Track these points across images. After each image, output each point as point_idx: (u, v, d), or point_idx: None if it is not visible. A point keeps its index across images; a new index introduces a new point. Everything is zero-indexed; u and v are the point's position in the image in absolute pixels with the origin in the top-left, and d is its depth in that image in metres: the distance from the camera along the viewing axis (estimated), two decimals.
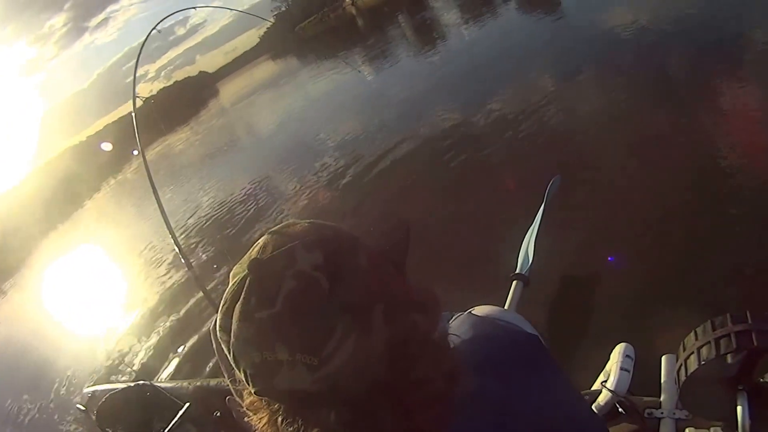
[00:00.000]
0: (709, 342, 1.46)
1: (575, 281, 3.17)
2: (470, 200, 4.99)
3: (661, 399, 1.75)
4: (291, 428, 0.59)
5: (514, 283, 1.83)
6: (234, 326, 0.56)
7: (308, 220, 0.65)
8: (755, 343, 1.37)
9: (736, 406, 1.45)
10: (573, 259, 3.35)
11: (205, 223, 9.57)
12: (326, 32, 53.81)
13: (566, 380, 0.78)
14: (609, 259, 3.09)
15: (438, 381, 0.59)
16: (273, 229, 0.63)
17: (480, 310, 0.85)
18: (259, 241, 0.62)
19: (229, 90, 57.48)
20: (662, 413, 1.72)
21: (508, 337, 0.78)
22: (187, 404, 2.92)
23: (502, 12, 14.56)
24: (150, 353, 5.71)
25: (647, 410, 1.74)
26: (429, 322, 0.62)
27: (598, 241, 3.38)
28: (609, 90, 6.04)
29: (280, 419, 0.60)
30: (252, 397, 0.61)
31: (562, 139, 5.39)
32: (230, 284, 0.59)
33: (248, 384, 0.58)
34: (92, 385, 4.03)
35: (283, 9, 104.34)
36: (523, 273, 1.88)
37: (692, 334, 1.53)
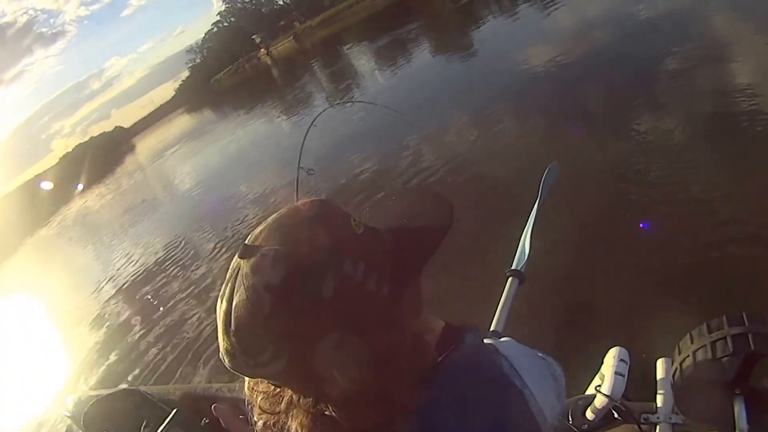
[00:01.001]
0: (704, 345, 1.44)
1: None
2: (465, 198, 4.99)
3: (657, 403, 1.73)
4: (260, 398, 0.67)
5: (510, 279, 1.79)
6: (218, 301, 0.63)
7: (309, 217, 0.63)
8: (752, 346, 1.35)
9: (733, 410, 1.44)
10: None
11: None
12: (242, 83, 53.69)
13: None
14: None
15: (382, 404, 0.61)
16: (274, 217, 0.64)
17: (503, 343, 0.79)
18: (262, 224, 0.64)
19: (146, 145, 56.15)
20: (658, 418, 1.69)
21: (492, 381, 0.71)
22: (175, 410, 2.87)
23: (418, 56, 14.91)
24: (135, 358, 5.64)
25: (643, 415, 1.72)
26: (388, 374, 0.61)
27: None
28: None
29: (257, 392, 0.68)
30: None
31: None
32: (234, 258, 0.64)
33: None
34: (77, 392, 3.96)
35: (198, 61, 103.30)
36: (519, 269, 1.84)
37: (688, 336, 1.51)
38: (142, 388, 3.19)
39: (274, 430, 0.65)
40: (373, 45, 22.25)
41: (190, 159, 22.33)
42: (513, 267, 1.98)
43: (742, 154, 3.51)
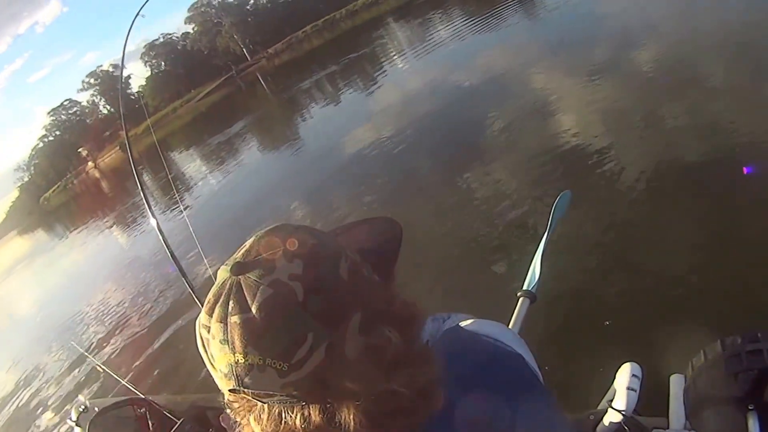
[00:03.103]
0: (718, 361, 1.45)
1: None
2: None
3: (669, 419, 1.72)
4: (258, 425, 0.62)
5: (521, 299, 1.81)
6: (212, 326, 0.59)
7: (296, 226, 0.66)
8: (766, 362, 1.36)
9: (746, 427, 1.43)
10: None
11: None
12: (72, 200, 51.83)
13: (549, 404, 0.77)
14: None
15: (408, 395, 0.61)
16: (261, 233, 0.65)
17: (474, 324, 0.86)
18: (246, 243, 0.64)
19: None
20: None
21: (490, 356, 0.78)
22: (182, 420, 2.86)
23: (248, 153, 14.96)
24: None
25: (654, 430, 1.72)
26: (405, 337, 0.63)
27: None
28: None
29: (253, 417, 0.63)
30: (228, 396, 0.63)
31: None
32: (216, 283, 0.61)
33: (222, 383, 0.61)
34: (84, 400, 3.95)
35: (26, 179, 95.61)
36: (530, 290, 1.86)
37: (701, 353, 1.52)
38: (149, 397, 3.18)
39: None
40: (200, 149, 21.86)
41: (26, 285, 21.20)
42: (524, 287, 2.00)
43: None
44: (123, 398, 3.31)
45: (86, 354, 4.33)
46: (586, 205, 4.01)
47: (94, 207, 26.93)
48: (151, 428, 3.06)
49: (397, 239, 0.76)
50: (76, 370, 6.59)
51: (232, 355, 0.57)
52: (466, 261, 4.28)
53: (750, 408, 1.44)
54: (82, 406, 3.56)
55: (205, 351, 0.61)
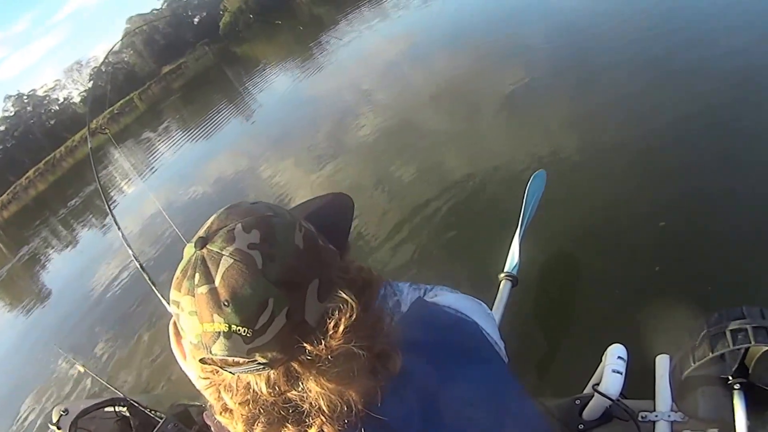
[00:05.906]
0: (703, 340, 1.42)
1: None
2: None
3: (656, 401, 1.71)
4: (229, 394, 0.67)
5: (503, 282, 1.80)
6: (181, 300, 0.63)
7: (253, 201, 0.70)
8: (751, 341, 1.33)
9: (733, 406, 1.42)
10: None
11: None
12: None
13: (501, 373, 0.81)
14: None
15: (366, 357, 0.65)
16: (220, 210, 0.68)
17: (448, 297, 0.90)
18: (208, 220, 0.68)
19: None
20: (657, 416, 1.68)
21: (446, 324, 0.82)
22: (164, 419, 2.82)
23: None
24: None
25: (641, 413, 1.70)
26: (361, 301, 0.67)
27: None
28: None
29: (224, 388, 0.67)
30: (200, 368, 0.67)
31: None
32: (182, 260, 0.65)
33: (194, 353, 0.65)
34: (64, 401, 3.88)
35: None
36: (511, 272, 1.85)
37: (686, 332, 1.49)
38: (130, 397, 3.13)
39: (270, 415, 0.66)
40: None
41: None
42: (505, 270, 1.98)
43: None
44: (104, 399, 3.26)
45: (66, 355, 4.24)
46: None
47: None
48: (133, 428, 3.01)
49: (349, 211, 0.82)
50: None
51: (200, 325, 0.61)
52: None
53: (736, 387, 1.42)
54: (63, 409, 3.50)
55: (177, 324, 0.65)
